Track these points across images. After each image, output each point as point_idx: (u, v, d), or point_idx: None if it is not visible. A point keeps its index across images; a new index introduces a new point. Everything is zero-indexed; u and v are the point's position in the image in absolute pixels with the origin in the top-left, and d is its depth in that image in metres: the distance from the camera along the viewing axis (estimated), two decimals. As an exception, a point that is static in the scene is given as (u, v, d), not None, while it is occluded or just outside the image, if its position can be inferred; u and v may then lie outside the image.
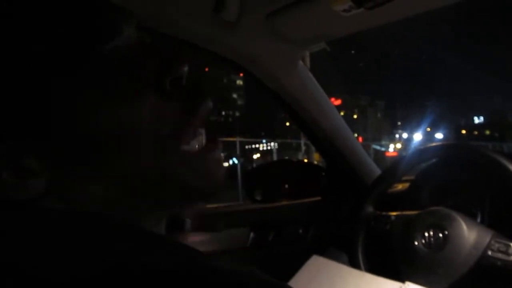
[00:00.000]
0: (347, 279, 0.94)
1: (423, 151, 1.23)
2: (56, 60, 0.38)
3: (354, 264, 1.20)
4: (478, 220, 1.11)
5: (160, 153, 0.41)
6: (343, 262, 1.30)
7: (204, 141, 0.46)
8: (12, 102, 0.37)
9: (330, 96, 1.46)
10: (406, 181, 1.39)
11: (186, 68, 0.44)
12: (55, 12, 0.39)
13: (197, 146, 0.45)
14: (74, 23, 0.39)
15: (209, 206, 1.44)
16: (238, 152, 12.93)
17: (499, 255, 0.95)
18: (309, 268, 0.91)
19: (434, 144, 1.23)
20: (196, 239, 1.30)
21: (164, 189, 0.43)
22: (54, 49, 0.38)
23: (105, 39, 0.40)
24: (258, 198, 1.54)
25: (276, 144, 19.77)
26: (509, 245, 0.96)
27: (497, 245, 0.96)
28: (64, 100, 0.38)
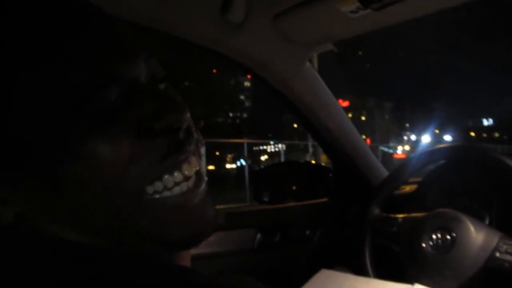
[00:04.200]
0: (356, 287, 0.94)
1: (430, 153, 1.22)
2: (46, 102, 0.37)
3: (360, 265, 1.20)
4: (486, 222, 1.11)
5: (128, 201, 0.39)
6: (350, 265, 1.30)
7: (193, 179, 0.43)
8: None
9: (337, 97, 1.45)
10: (413, 183, 1.38)
11: (187, 116, 0.42)
12: (57, 59, 0.38)
13: (179, 190, 0.42)
14: (74, 70, 0.38)
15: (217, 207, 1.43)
16: (245, 153, 12.94)
17: (507, 257, 0.95)
18: (316, 281, 0.91)
19: (441, 145, 1.22)
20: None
21: (132, 238, 0.41)
22: (47, 93, 0.37)
23: (98, 88, 0.38)
24: (266, 199, 1.54)
25: (283, 145, 19.75)
26: (518, 247, 0.95)
27: (505, 246, 0.96)
28: (44, 136, 0.37)
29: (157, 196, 0.40)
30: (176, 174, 0.41)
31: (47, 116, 0.37)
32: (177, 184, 0.41)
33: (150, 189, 0.40)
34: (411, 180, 1.32)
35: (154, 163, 0.40)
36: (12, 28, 0.37)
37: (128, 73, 0.40)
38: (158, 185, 0.40)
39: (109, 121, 0.38)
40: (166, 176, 0.41)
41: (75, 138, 0.37)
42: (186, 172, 0.42)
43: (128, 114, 0.39)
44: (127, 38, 0.42)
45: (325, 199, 1.52)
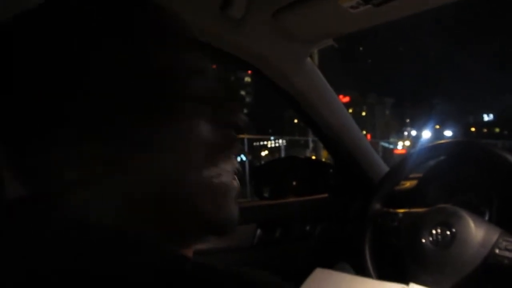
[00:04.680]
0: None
1: (431, 148, 1.22)
2: (132, 90, 0.40)
3: (361, 261, 1.20)
4: (486, 218, 1.11)
5: (188, 178, 0.42)
6: (351, 261, 1.30)
7: (231, 174, 0.47)
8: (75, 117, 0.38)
9: (338, 93, 1.45)
10: (414, 178, 1.38)
11: (242, 115, 0.46)
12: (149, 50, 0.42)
13: (226, 179, 0.45)
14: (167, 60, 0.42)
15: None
16: (246, 149, 12.94)
17: (507, 253, 0.95)
18: (312, 281, 0.91)
19: (442, 141, 1.22)
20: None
21: (180, 217, 0.42)
22: (141, 81, 0.40)
23: (188, 77, 0.43)
24: (266, 195, 1.54)
25: (284, 141, 19.77)
26: (517, 243, 0.95)
27: (504, 243, 0.96)
28: (124, 122, 0.39)
29: (209, 181, 0.43)
30: (226, 164, 0.45)
31: (128, 101, 0.39)
32: (226, 172, 0.45)
33: (206, 173, 0.43)
34: (411, 175, 1.32)
35: (216, 151, 0.44)
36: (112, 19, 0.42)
37: (206, 66, 0.46)
38: (213, 171, 0.43)
39: (190, 110, 0.42)
40: (220, 164, 0.44)
41: (152, 124, 0.40)
42: (233, 165, 0.46)
43: (206, 104, 0.43)
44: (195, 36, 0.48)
45: (325, 195, 1.52)
